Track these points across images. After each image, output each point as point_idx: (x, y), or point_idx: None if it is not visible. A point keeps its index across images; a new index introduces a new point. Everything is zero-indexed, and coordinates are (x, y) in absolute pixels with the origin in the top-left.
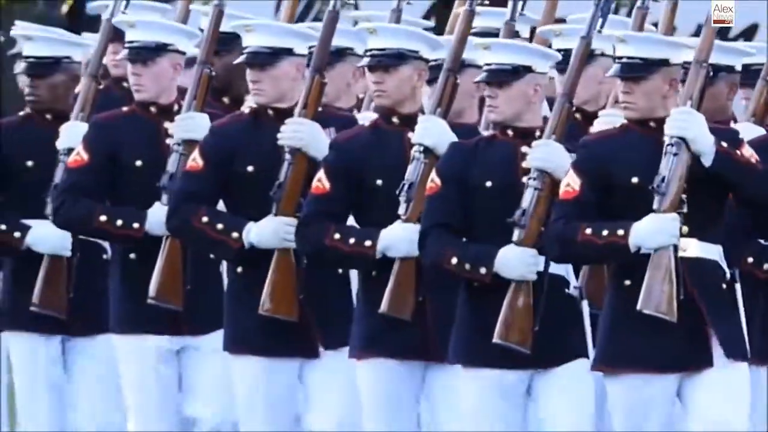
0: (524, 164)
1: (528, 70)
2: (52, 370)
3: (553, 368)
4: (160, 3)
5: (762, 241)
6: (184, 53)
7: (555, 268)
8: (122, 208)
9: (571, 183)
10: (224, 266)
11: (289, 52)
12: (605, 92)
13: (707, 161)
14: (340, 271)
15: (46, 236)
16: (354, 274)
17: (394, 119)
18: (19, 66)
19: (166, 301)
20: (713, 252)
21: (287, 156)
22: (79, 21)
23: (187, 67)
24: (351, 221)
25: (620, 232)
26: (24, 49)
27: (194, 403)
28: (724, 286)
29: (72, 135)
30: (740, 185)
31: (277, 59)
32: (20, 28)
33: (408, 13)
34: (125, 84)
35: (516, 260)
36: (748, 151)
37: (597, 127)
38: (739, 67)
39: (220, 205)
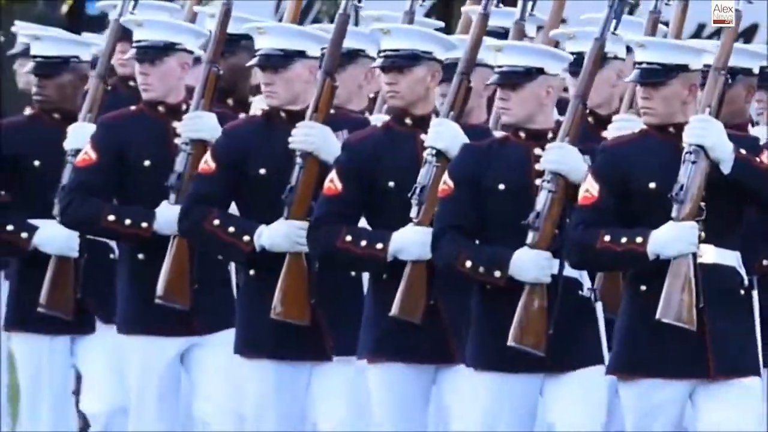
0: (537, 166)
1: (540, 72)
2: (57, 371)
3: (567, 372)
4: (168, 2)
5: None
6: (192, 52)
7: (569, 271)
8: (130, 207)
9: (589, 189)
10: (232, 266)
11: (301, 54)
12: (618, 95)
13: (726, 168)
14: (353, 274)
15: (53, 237)
16: (366, 278)
17: (407, 120)
18: (21, 65)
19: (173, 301)
20: (731, 258)
21: (298, 160)
22: (79, 21)
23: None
24: (362, 223)
25: (639, 239)
26: (32, 48)
27: (199, 401)
28: (742, 292)
29: (79, 136)
30: (759, 192)
31: (290, 61)
32: (21, 27)
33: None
34: (132, 83)
35: (530, 263)
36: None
37: (611, 132)
38: (756, 70)
39: (233, 208)
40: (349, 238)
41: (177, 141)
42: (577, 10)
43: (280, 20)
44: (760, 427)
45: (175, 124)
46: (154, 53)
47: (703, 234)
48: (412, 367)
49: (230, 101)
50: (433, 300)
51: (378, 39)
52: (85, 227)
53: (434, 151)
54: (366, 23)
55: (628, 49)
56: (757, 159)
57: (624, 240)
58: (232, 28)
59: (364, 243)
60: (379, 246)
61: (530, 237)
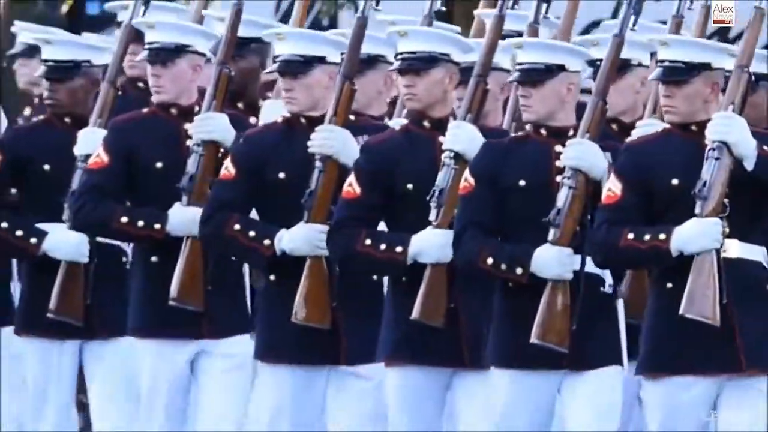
0: (558, 163)
1: (561, 68)
2: (65, 375)
3: (586, 371)
4: (174, 3)
5: None
6: (203, 54)
7: (590, 267)
8: (143, 209)
9: (612, 188)
10: (246, 269)
11: (321, 60)
12: (642, 103)
13: (749, 165)
14: (375, 277)
15: (63, 242)
16: (386, 281)
17: (425, 123)
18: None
19: (186, 302)
20: (756, 253)
21: (318, 163)
22: (79, 21)
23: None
24: (381, 225)
25: (662, 236)
26: (43, 52)
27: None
28: None
29: (90, 141)
30: None
31: (310, 67)
32: (20, 27)
33: (406, 13)
34: (140, 84)
35: (552, 260)
36: None
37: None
38: None
39: (253, 214)
40: (368, 241)
41: (189, 143)
42: (590, 11)
43: (280, 20)
44: (761, 427)
45: (187, 126)
46: (165, 55)
47: (727, 230)
48: (429, 370)
49: (240, 105)
50: (453, 303)
51: (396, 43)
52: (98, 229)
53: (452, 154)
54: (380, 28)
55: (652, 56)
56: None
57: (647, 237)
58: (241, 31)
59: (383, 246)
60: (399, 249)
61: (551, 234)
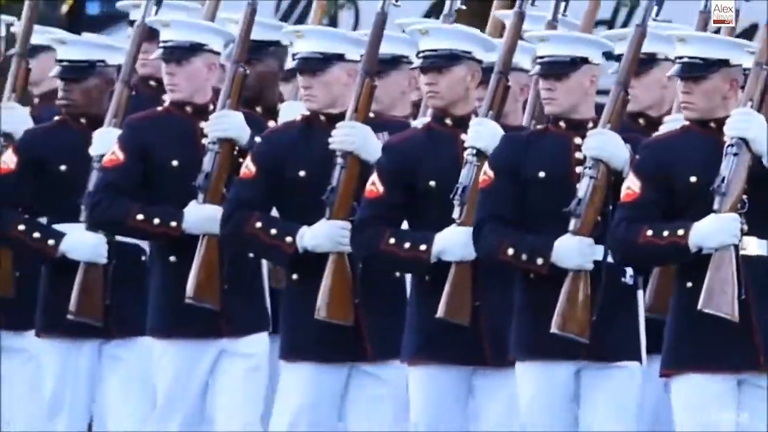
0: (578, 155)
1: (585, 61)
2: (83, 375)
3: (605, 363)
4: (188, 2)
5: None
6: (218, 53)
7: (611, 257)
8: (158, 207)
9: (631, 186)
10: (265, 268)
11: (340, 57)
12: (669, 97)
13: None
14: (398, 274)
15: (80, 243)
16: (408, 279)
17: (447, 120)
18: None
19: (203, 301)
20: None
21: (339, 160)
22: (79, 21)
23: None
24: (404, 224)
25: (680, 232)
26: (58, 53)
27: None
28: None
29: (105, 141)
30: None
31: (329, 65)
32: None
33: (405, 14)
34: (152, 83)
35: (573, 250)
36: None
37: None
38: None
39: (273, 212)
40: (392, 240)
41: (204, 141)
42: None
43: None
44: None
45: (202, 124)
46: (180, 53)
47: (745, 227)
48: (452, 368)
49: (258, 108)
50: (478, 301)
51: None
52: (113, 227)
53: (474, 151)
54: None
55: None
56: None
57: (666, 233)
58: (259, 34)
59: (407, 245)
60: (423, 248)
61: (572, 224)
